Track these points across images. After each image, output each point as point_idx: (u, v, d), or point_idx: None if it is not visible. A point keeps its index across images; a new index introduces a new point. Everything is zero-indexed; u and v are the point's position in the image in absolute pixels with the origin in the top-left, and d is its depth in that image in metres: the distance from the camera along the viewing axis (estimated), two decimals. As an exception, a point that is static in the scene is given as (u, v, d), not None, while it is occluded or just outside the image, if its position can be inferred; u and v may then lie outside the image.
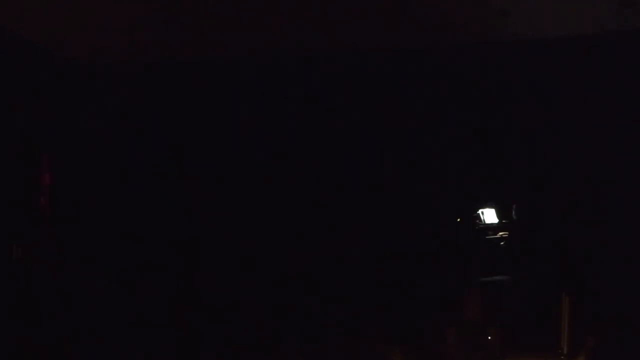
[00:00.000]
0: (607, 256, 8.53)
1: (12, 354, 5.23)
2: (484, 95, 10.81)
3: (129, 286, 7.69)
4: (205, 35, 9.96)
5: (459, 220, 8.28)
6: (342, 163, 11.26)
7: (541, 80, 9.43)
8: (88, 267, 8.86)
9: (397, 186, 10.33)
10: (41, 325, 6.12)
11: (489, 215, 8.39)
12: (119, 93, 11.68)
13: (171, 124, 12.09)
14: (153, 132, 11.94)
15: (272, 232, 9.71)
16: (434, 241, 9.54)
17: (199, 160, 12.26)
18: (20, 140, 10.94)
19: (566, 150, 9.05)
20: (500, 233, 8.36)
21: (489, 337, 5.77)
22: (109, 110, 11.73)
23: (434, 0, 8.36)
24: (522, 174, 9.66)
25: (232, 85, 12.80)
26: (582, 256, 8.49)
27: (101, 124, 11.73)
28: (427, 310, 6.69)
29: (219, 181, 11.37)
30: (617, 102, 8.69)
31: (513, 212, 8.31)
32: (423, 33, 9.32)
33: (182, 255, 9.53)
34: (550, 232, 9.00)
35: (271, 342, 5.48)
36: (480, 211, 8.32)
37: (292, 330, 5.89)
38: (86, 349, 5.33)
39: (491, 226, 8.36)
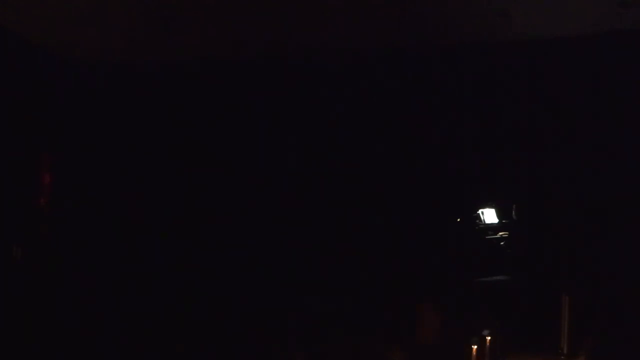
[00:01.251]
0: (607, 256, 8.54)
1: (13, 353, 5.24)
2: (486, 95, 10.82)
3: (129, 285, 7.69)
4: (205, 35, 9.96)
5: (459, 220, 8.27)
6: (343, 163, 11.26)
7: (542, 81, 9.43)
8: (88, 266, 8.86)
9: (398, 187, 10.33)
10: (41, 325, 6.12)
11: (489, 215, 8.37)
12: (119, 93, 11.68)
13: (170, 124, 12.09)
14: (153, 131, 11.94)
15: (273, 232, 9.71)
16: (435, 242, 9.54)
17: (198, 160, 12.26)
18: (21, 140, 10.94)
19: (566, 150, 9.06)
20: (500, 233, 8.35)
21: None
22: (108, 110, 11.74)
23: (434, 0, 8.37)
24: (522, 174, 9.66)
25: (232, 85, 12.81)
26: (582, 256, 8.50)
27: (101, 124, 11.74)
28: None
29: (219, 180, 11.37)
30: (617, 102, 8.68)
31: (513, 212, 8.30)
32: (423, 33, 9.33)
33: (183, 254, 9.53)
34: (550, 232, 9.01)
35: (271, 342, 5.48)
36: (480, 211, 8.30)
37: (292, 330, 5.88)
38: (86, 348, 5.34)
39: (491, 226, 8.34)
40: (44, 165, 11.61)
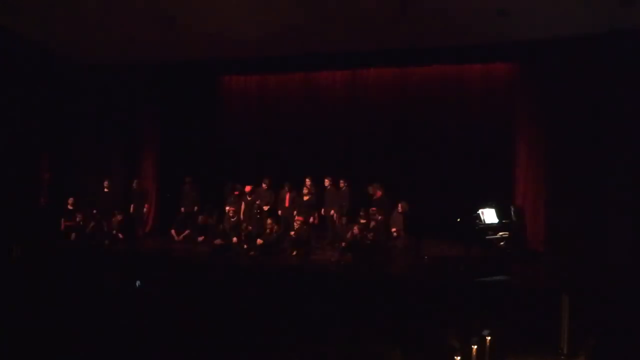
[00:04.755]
0: (607, 256, 8.54)
1: (13, 352, 5.25)
2: (486, 95, 10.80)
3: (129, 285, 7.69)
4: (206, 36, 9.97)
5: (459, 220, 8.26)
6: (343, 164, 11.27)
7: (542, 81, 9.44)
8: (88, 266, 8.86)
9: (398, 187, 10.35)
10: (41, 324, 6.12)
11: (489, 215, 8.35)
12: (119, 93, 11.69)
13: (169, 124, 12.11)
14: (152, 130, 11.96)
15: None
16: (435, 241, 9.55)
17: (197, 160, 12.26)
18: (21, 140, 10.95)
19: (566, 150, 9.06)
20: (500, 233, 8.33)
21: None
22: (108, 110, 11.75)
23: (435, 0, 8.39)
24: (522, 175, 9.66)
25: (234, 85, 12.81)
26: (582, 256, 8.50)
27: (100, 124, 11.76)
28: (427, 311, 6.67)
29: (221, 179, 11.38)
30: (617, 101, 8.68)
31: (512, 213, 8.29)
32: (424, 33, 9.33)
33: (182, 255, 9.54)
34: (550, 232, 9.02)
35: (271, 342, 5.48)
36: (480, 211, 8.27)
37: (292, 330, 5.88)
38: (86, 347, 5.33)
39: (491, 226, 8.32)
40: (44, 165, 11.64)
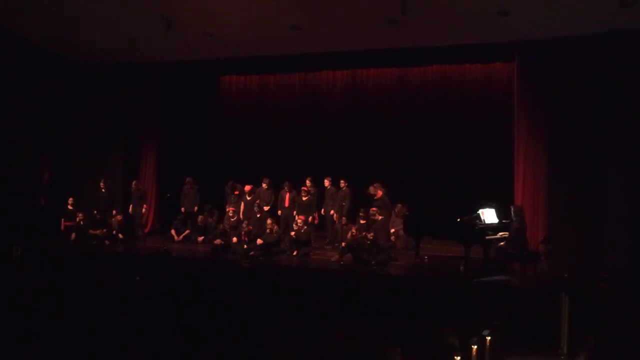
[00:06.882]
0: (607, 256, 8.54)
1: (13, 352, 5.25)
2: (485, 95, 10.82)
3: (129, 285, 7.70)
4: (206, 36, 9.98)
5: (458, 220, 8.26)
6: (343, 164, 11.28)
7: (542, 81, 9.44)
8: (88, 266, 8.86)
9: (398, 187, 10.36)
10: (41, 324, 6.12)
11: (489, 215, 8.36)
12: (119, 92, 11.70)
13: (170, 124, 12.12)
14: (152, 131, 11.96)
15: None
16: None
17: (197, 160, 12.27)
18: (21, 141, 10.96)
19: (565, 150, 9.06)
20: (500, 233, 8.35)
21: None
22: (108, 110, 11.76)
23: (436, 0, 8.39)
24: (522, 176, 9.66)
25: (236, 84, 12.82)
26: (581, 255, 8.50)
27: (100, 123, 11.76)
28: (427, 311, 6.67)
29: (225, 178, 11.39)
30: (618, 101, 8.68)
31: (512, 213, 8.29)
32: (424, 33, 9.34)
33: (182, 255, 9.55)
34: (549, 232, 9.01)
35: (271, 342, 5.47)
36: (480, 211, 8.28)
37: (292, 330, 5.88)
38: (85, 347, 5.33)
39: (491, 226, 8.33)
40: (44, 166, 11.65)
